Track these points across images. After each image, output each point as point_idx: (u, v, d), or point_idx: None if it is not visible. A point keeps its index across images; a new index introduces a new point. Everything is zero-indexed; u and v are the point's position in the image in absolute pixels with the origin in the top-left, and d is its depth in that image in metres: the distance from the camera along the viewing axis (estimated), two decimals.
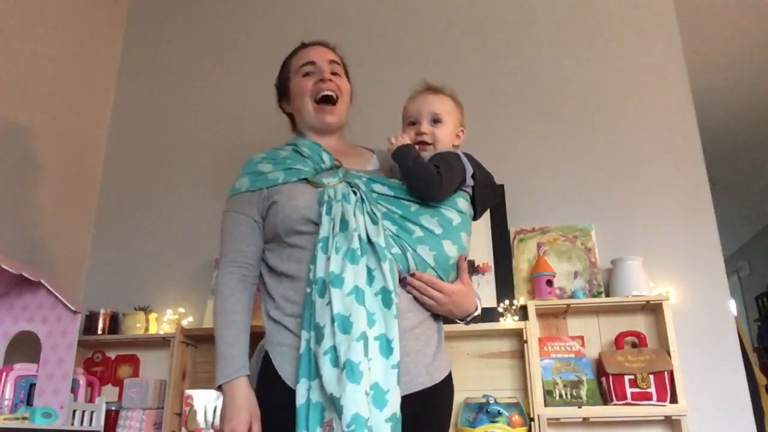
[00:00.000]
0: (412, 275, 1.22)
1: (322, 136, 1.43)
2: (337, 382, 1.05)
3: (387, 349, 1.10)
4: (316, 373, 1.10)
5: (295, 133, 1.49)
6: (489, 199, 1.40)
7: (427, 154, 1.34)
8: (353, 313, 1.10)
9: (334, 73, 1.43)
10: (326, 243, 1.19)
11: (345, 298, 1.12)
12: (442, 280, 1.25)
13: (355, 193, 1.27)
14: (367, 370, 1.06)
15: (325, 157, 1.35)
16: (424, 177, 1.26)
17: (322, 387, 1.08)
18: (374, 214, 1.24)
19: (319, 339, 1.11)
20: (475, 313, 1.32)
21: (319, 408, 1.08)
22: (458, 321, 1.32)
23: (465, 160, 1.33)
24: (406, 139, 1.33)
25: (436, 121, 1.38)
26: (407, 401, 1.13)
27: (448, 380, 1.25)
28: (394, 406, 1.06)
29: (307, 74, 1.42)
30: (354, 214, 1.22)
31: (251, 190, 1.33)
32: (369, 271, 1.17)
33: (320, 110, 1.41)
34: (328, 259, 1.17)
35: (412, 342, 1.19)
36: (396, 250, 1.21)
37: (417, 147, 1.34)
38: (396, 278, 1.18)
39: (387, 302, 1.13)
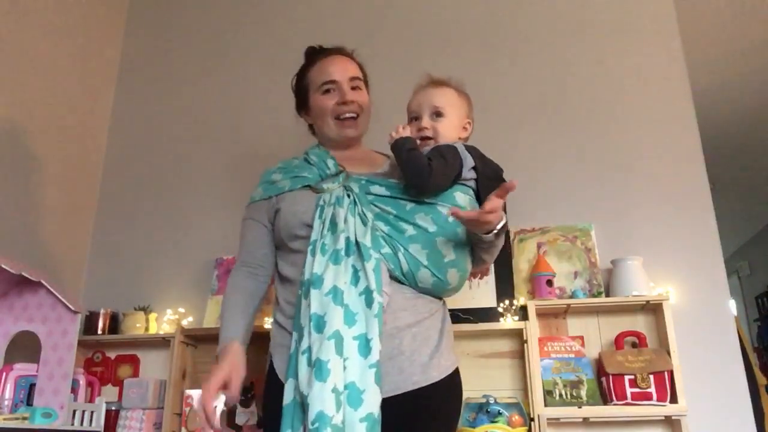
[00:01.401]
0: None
1: (340, 148, 1.45)
2: (308, 380, 1.07)
3: (365, 348, 1.11)
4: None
5: (315, 137, 1.52)
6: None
7: (428, 148, 1.32)
8: (328, 312, 1.13)
9: (354, 88, 1.44)
10: (315, 245, 1.22)
11: (323, 298, 1.15)
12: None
13: (348, 195, 1.28)
14: (341, 369, 1.08)
15: (330, 163, 1.38)
16: (413, 167, 1.25)
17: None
18: (365, 215, 1.25)
19: (300, 339, 1.15)
20: (500, 225, 1.23)
21: (302, 407, 1.10)
22: (488, 238, 1.22)
23: (464, 152, 1.30)
24: (407, 132, 1.31)
25: (437, 114, 1.36)
26: (402, 400, 1.14)
27: (450, 380, 1.23)
28: (370, 405, 1.06)
29: (327, 91, 1.43)
30: (345, 217, 1.24)
31: (263, 198, 1.40)
32: (355, 271, 1.18)
33: (341, 125, 1.43)
34: (311, 260, 1.20)
35: (407, 341, 1.19)
36: (387, 250, 1.22)
37: (419, 142, 1.33)
38: (382, 278, 1.17)
39: (369, 302, 1.14)
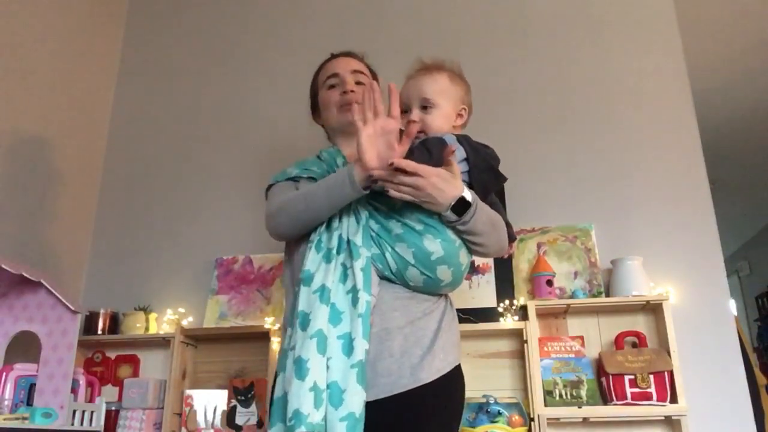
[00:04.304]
0: (391, 164, 1.10)
1: (350, 139, 1.42)
2: (290, 377, 1.09)
3: (349, 348, 1.10)
4: None
5: (330, 142, 1.52)
6: (490, 182, 1.30)
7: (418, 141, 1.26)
8: (314, 311, 1.13)
9: (358, 83, 1.45)
10: (312, 243, 1.23)
11: (310, 296, 1.15)
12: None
13: None
14: (323, 368, 1.08)
15: (339, 161, 1.39)
16: None
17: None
18: (359, 213, 1.24)
19: (291, 335, 1.16)
20: (461, 194, 1.15)
21: None
22: (448, 218, 1.17)
23: (454, 144, 1.23)
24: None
25: (426, 106, 1.29)
26: (393, 402, 1.13)
27: (443, 381, 1.19)
28: (351, 405, 1.05)
29: (332, 86, 1.45)
30: (340, 214, 1.24)
31: (290, 178, 1.40)
32: (344, 269, 1.18)
33: (343, 110, 1.42)
34: (307, 257, 1.21)
35: (398, 342, 1.17)
36: (375, 250, 1.21)
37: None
38: (370, 278, 1.16)
39: (355, 301, 1.14)
